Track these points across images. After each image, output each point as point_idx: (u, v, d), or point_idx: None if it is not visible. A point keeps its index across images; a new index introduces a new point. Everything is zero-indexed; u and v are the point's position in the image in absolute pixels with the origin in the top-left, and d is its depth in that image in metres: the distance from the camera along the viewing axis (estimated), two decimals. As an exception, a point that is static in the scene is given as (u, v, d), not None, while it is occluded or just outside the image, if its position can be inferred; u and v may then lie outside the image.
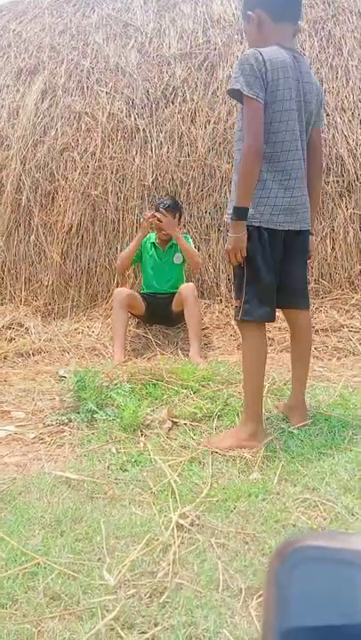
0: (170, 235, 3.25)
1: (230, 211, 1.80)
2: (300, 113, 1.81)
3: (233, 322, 1.99)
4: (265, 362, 1.91)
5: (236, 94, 1.76)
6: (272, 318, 1.89)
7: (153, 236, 3.38)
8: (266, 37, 1.80)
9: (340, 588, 0.29)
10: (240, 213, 1.76)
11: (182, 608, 1.08)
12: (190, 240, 3.42)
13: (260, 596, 1.12)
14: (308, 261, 2.07)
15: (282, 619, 0.29)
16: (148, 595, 1.13)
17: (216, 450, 1.81)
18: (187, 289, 3.08)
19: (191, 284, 3.20)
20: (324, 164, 3.60)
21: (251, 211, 1.78)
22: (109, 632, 1.04)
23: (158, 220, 3.18)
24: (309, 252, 2.03)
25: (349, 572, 0.29)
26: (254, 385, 1.88)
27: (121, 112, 3.93)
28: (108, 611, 1.09)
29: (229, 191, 3.66)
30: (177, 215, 3.30)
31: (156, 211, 3.28)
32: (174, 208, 3.28)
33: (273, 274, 1.85)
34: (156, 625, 1.05)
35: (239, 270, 1.86)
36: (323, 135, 3.64)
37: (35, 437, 2.06)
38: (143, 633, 1.03)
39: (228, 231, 1.89)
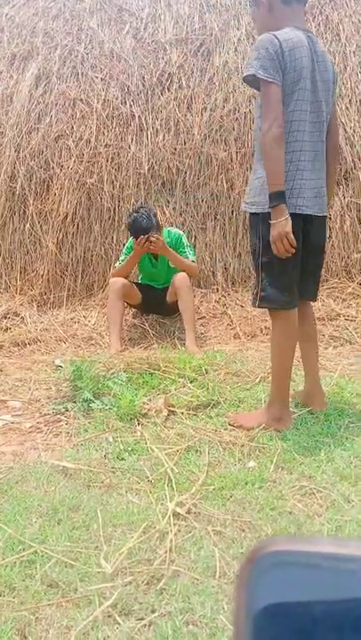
0: (152, 250, 3.05)
1: (254, 199, 1.79)
2: (314, 93, 1.78)
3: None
4: (295, 346, 1.91)
5: (251, 81, 1.75)
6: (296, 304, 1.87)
7: None
8: (277, 20, 1.78)
9: (308, 588, 0.30)
10: (278, 197, 1.70)
11: (179, 595, 1.09)
12: (184, 237, 3.24)
13: (256, 583, 1.13)
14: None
15: (251, 617, 0.30)
16: (145, 582, 1.14)
17: (240, 427, 1.89)
18: (180, 279, 3.04)
19: (184, 273, 3.08)
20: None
21: (260, 197, 1.77)
22: (107, 619, 1.05)
23: (150, 242, 2.95)
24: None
25: (317, 574, 0.30)
26: (283, 368, 1.89)
27: (116, 99, 3.89)
28: (105, 598, 1.09)
29: (226, 180, 3.66)
30: (156, 230, 3.04)
31: (129, 228, 3.11)
32: (151, 224, 3.01)
33: (294, 260, 1.79)
34: (153, 611, 1.06)
35: (255, 253, 1.84)
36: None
37: (31, 427, 2.06)
38: (140, 619, 1.04)
39: (249, 221, 1.88)
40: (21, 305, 3.63)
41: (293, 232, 1.72)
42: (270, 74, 1.68)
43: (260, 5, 1.81)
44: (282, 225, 1.70)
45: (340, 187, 3.62)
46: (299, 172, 1.76)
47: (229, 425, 1.92)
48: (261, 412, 1.93)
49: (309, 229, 1.84)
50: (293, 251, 1.74)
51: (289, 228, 1.70)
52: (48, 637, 1.01)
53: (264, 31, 1.77)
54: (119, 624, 1.03)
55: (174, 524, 1.33)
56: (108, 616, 1.05)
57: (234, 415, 1.99)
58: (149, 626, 1.02)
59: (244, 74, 1.75)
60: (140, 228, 2.98)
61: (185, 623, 1.02)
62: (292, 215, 1.73)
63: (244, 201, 1.92)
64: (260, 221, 1.79)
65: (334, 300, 3.41)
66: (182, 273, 3.10)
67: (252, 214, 1.85)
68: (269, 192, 1.72)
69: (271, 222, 1.72)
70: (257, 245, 1.82)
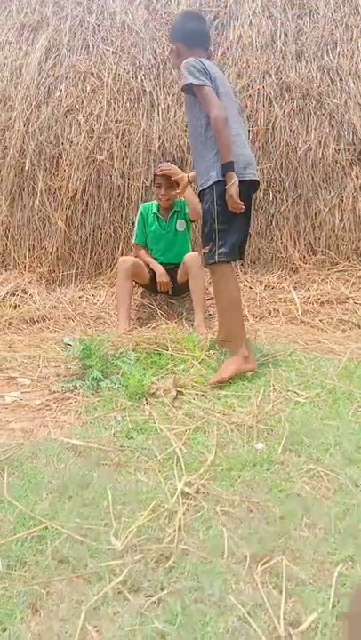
0: (172, 199, 3.20)
1: (208, 176, 2.21)
2: (229, 95, 2.29)
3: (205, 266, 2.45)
4: (239, 294, 2.32)
5: (188, 89, 2.21)
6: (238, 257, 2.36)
7: (155, 206, 3.30)
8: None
9: None
10: (230, 166, 2.14)
11: (188, 573, 1.11)
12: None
13: (264, 564, 1.14)
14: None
15: None
16: (154, 560, 1.15)
17: (222, 381, 2.10)
18: (191, 258, 3.04)
19: (195, 253, 3.13)
20: (335, 131, 3.53)
21: (212, 173, 2.19)
22: (117, 595, 1.06)
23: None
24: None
25: None
26: (238, 314, 2.26)
27: (127, 73, 3.81)
28: (115, 574, 1.11)
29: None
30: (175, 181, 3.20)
31: (154, 179, 3.25)
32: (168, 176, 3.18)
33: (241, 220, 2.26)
34: (162, 589, 1.07)
35: (211, 218, 2.21)
36: (335, 101, 3.55)
37: (40, 404, 2.07)
38: (150, 596, 1.06)
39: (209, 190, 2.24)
40: (30, 282, 3.63)
41: (242, 198, 2.16)
42: (203, 80, 2.17)
43: (173, 53, 2.43)
44: (235, 186, 2.13)
45: (354, 168, 3.55)
46: (239, 148, 2.21)
47: (211, 385, 2.10)
48: (230, 361, 2.19)
49: (249, 194, 2.28)
50: (243, 208, 2.17)
51: (237, 189, 2.14)
52: (59, 611, 1.03)
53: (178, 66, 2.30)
54: (129, 600, 1.05)
55: (183, 504, 1.35)
56: (118, 592, 1.07)
57: (209, 379, 2.16)
58: (159, 603, 1.04)
59: (182, 84, 2.22)
60: (162, 164, 3.22)
61: (194, 601, 1.03)
62: (241, 182, 2.16)
63: (198, 184, 2.32)
64: (213, 192, 2.19)
65: (344, 284, 3.38)
66: (194, 253, 3.09)
67: (206, 189, 2.23)
68: (224, 162, 2.14)
69: (227, 186, 2.13)
70: (213, 212, 2.19)
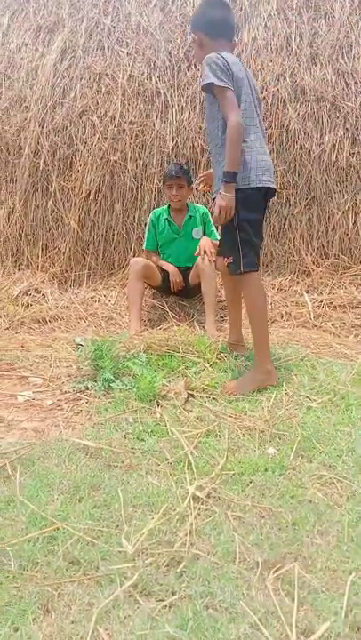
0: (183, 200, 3.26)
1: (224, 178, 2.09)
2: (253, 98, 2.17)
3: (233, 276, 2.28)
4: (266, 306, 2.35)
5: (209, 89, 2.10)
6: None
7: (165, 212, 3.30)
8: (209, 52, 2.12)
9: None
10: (234, 177, 2.07)
11: (199, 578, 1.10)
12: (208, 214, 3.34)
13: (276, 570, 1.13)
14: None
15: None
16: (165, 564, 1.15)
17: (236, 394, 2.05)
18: (204, 262, 3.03)
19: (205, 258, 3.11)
20: (350, 134, 3.51)
21: (247, 172, 2.10)
22: (128, 598, 1.06)
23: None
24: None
25: None
26: (265, 327, 2.19)
27: (142, 74, 3.81)
28: (126, 578, 1.11)
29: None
30: (185, 181, 3.23)
31: (164, 180, 3.26)
32: (182, 173, 3.21)
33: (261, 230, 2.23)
34: (173, 594, 1.07)
35: (232, 227, 2.13)
36: (350, 104, 3.53)
37: (52, 404, 2.08)
38: (161, 600, 1.06)
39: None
40: (42, 282, 3.65)
41: (263, 205, 2.18)
42: (224, 81, 2.05)
43: (194, 43, 2.24)
44: (231, 199, 2.07)
45: (369, 171, 3.53)
46: (259, 155, 2.12)
47: (225, 394, 2.06)
48: (252, 374, 2.14)
49: (266, 201, 2.22)
50: (221, 223, 2.13)
51: (232, 203, 2.08)
52: (70, 613, 1.03)
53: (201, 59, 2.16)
54: (140, 604, 1.05)
55: (194, 508, 1.34)
56: (130, 596, 1.07)
57: (226, 385, 2.12)
58: (170, 607, 1.04)
59: (202, 82, 2.09)
60: (171, 175, 3.19)
61: (205, 607, 1.03)
62: (257, 189, 2.11)
63: (214, 191, 2.22)
64: (236, 201, 2.08)
65: (357, 288, 3.36)
66: (205, 258, 3.07)
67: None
68: (229, 170, 2.04)
69: (222, 193, 2.07)
70: (234, 221, 2.10)
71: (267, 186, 2.15)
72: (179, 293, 3.34)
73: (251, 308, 2.19)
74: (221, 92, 2.06)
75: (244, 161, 2.10)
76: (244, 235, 2.13)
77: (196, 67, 3.78)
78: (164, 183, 3.29)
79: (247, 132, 2.13)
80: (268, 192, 2.19)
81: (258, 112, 2.20)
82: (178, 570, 1.13)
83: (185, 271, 3.24)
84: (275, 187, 2.21)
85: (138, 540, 1.21)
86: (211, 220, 3.38)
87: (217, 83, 2.04)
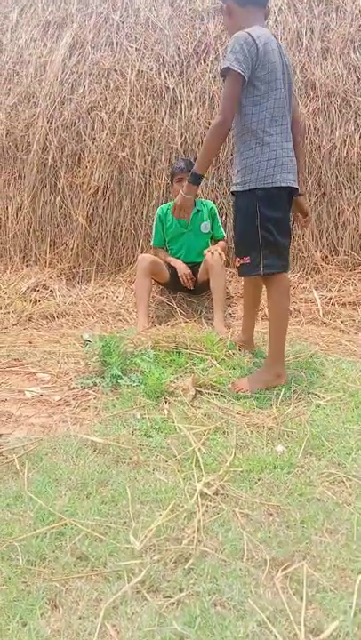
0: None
1: (245, 177, 2.01)
2: (284, 82, 1.99)
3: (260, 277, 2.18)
4: (261, 291, 2.33)
5: (225, 72, 1.93)
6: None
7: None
8: (238, 22, 1.99)
9: None
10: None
11: (207, 575, 1.10)
12: (215, 209, 3.36)
13: (285, 569, 1.12)
14: (307, 221, 2.36)
15: None
16: (173, 560, 1.14)
17: (244, 391, 2.02)
18: (213, 258, 3.02)
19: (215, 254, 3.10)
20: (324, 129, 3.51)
21: (252, 175, 1.99)
22: (135, 594, 1.06)
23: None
24: (306, 213, 2.33)
25: None
26: (284, 329, 2.11)
27: (151, 70, 3.80)
28: (134, 574, 1.10)
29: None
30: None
31: (173, 175, 3.26)
32: (192, 167, 3.17)
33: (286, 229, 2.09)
34: (181, 590, 1.07)
35: (252, 226, 2.01)
36: (358, 99, 3.48)
37: (60, 400, 2.08)
38: (169, 597, 1.05)
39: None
40: (50, 278, 3.65)
41: (285, 204, 2.05)
42: (242, 68, 1.88)
43: (224, 12, 2.08)
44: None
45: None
46: (282, 152, 1.99)
47: (234, 391, 2.04)
48: (262, 374, 2.10)
49: (290, 200, 2.10)
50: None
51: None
52: (78, 609, 1.03)
53: (232, 32, 1.97)
54: (147, 600, 1.04)
55: (202, 505, 1.34)
56: (137, 592, 1.06)
57: (235, 382, 2.10)
58: (177, 604, 1.03)
59: (222, 67, 1.93)
60: (181, 168, 3.19)
61: (213, 604, 1.03)
62: (282, 188, 1.99)
63: (232, 183, 2.11)
64: (255, 197, 1.99)
65: (359, 281, 3.33)
66: (215, 254, 3.06)
67: (242, 192, 2.03)
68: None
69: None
70: (256, 220, 1.99)
71: (292, 186, 2.02)
72: (188, 290, 3.33)
73: (274, 311, 2.09)
74: (232, 79, 1.91)
75: (268, 157, 1.97)
76: (266, 234, 2.00)
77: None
78: (172, 178, 3.28)
79: (273, 124, 1.96)
80: (293, 191, 2.07)
81: (288, 101, 2.03)
82: (185, 567, 1.12)
83: (194, 267, 3.23)
84: (297, 187, 2.07)
85: (145, 537, 1.20)
86: (218, 217, 3.38)
87: (232, 67, 1.88)
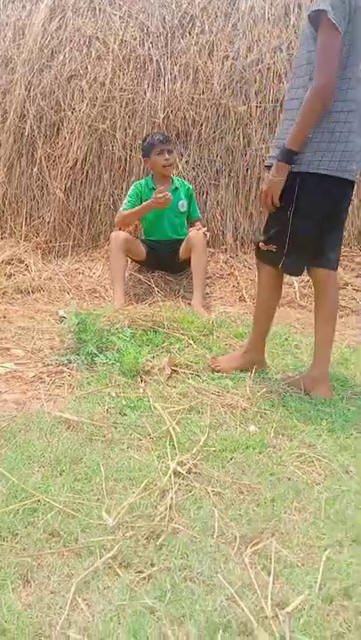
0: (173, 164, 3.22)
1: (275, 153, 1.74)
2: None
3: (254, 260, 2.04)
4: (278, 300, 2.05)
5: (314, 18, 1.59)
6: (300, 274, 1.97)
7: (150, 182, 3.21)
8: None
9: None
10: (289, 156, 1.68)
11: (178, 551, 1.12)
12: (192, 190, 3.31)
13: (254, 545, 1.15)
14: None
15: None
16: (145, 537, 1.16)
17: (220, 370, 2.01)
18: (197, 236, 3.01)
19: (202, 231, 3.10)
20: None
21: (314, 155, 1.67)
22: (107, 570, 1.07)
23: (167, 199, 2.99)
24: None
25: None
26: (266, 319, 2.00)
27: (134, 39, 3.68)
28: (105, 550, 1.12)
29: (243, 135, 3.52)
30: (173, 151, 3.21)
31: (150, 148, 3.12)
32: (168, 142, 3.16)
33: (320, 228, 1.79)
34: (152, 565, 1.08)
35: (284, 215, 1.77)
36: None
37: (34, 376, 2.06)
38: (140, 572, 1.07)
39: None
40: (26, 252, 3.58)
41: (338, 199, 1.75)
42: (338, 18, 1.53)
43: None
44: (277, 183, 1.72)
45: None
46: (352, 134, 1.65)
47: (211, 368, 2.03)
48: (240, 355, 2.05)
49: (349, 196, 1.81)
50: (273, 208, 1.78)
51: (280, 189, 1.73)
52: (50, 584, 1.04)
53: None
54: (119, 575, 1.06)
55: (175, 483, 1.35)
56: (109, 567, 1.08)
57: (214, 359, 2.08)
58: (148, 579, 1.05)
59: (313, 8, 1.59)
60: (159, 139, 3.09)
61: (183, 579, 1.05)
62: (343, 180, 1.70)
63: (269, 156, 1.84)
64: (297, 182, 1.72)
65: (343, 269, 3.36)
66: (199, 232, 3.05)
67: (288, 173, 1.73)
68: (289, 148, 1.67)
69: (271, 177, 1.73)
70: (290, 209, 1.75)
71: (349, 179, 1.72)
72: (164, 269, 3.31)
73: (329, 311, 1.90)
74: (328, 31, 1.55)
75: (332, 139, 1.64)
76: (297, 229, 1.76)
77: (190, 34, 3.66)
78: (149, 152, 3.12)
79: (349, 101, 1.63)
80: (353, 186, 1.78)
81: None
82: (157, 543, 1.14)
83: (173, 244, 3.20)
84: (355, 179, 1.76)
85: (118, 514, 1.21)
86: (195, 198, 3.33)
87: (330, 15, 1.53)
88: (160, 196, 2.92)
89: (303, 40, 1.71)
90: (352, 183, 1.75)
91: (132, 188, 3.25)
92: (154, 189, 3.14)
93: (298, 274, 1.95)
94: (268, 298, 1.98)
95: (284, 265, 1.84)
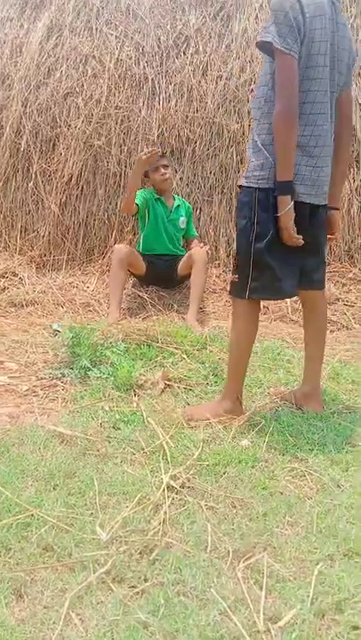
0: (171, 181, 3.29)
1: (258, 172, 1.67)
2: (332, 71, 1.64)
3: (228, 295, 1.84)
4: (253, 341, 1.85)
5: (266, 48, 1.60)
6: (288, 295, 1.84)
7: (153, 193, 3.29)
8: None
9: None
10: (285, 188, 1.62)
11: (171, 566, 1.12)
12: (191, 209, 3.41)
13: (246, 559, 1.16)
14: (332, 238, 1.92)
15: None
16: (138, 551, 1.16)
17: (193, 420, 1.79)
18: (199, 253, 3.10)
19: (204, 249, 3.19)
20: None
21: (263, 172, 1.65)
22: (100, 584, 1.08)
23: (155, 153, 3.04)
24: (333, 230, 1.88)
25: None
26: (240, 364, 1.83)
27: (130, 59, 3.75)
28: (99, 564, 1.12)
29: (237, 152, 3.58)
30: (169, 166, 3.31)
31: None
32: (162, 157, 3.28)
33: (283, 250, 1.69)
34: (145, 580, 1.09)
35: (245, 240, 1.70)
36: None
37: (27, 390, 2.07)
38: (133, 587, 1.07)
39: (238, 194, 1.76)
40: (20, 265, 3.59)
41: (296, 222, 1.64)
42: (288, 45, 1.53)
43: None
44: (287, 216, 1.62)
45: (351, 170, 3.56)
46: (304, 158, 1.65)
47: (185, 419, 1.79)
48: (214, 405, 1.85)
49: (312, 220, 1.72)
50: (301, 242, 1.66)
51: (292, 219, 1.64)
52: (43, 598, 1.04)
53: None
54: (112, 590, 1.06)
55: (168, 497, 1.36)
56: (102, 582, 1.08)
57: (188, 409, 1.87)
58: (142, 594, 1.06)
59: (259, 38, 1.60)
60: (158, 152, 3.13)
61: (176, 593, 1.05)
62: (296, 203, 1.64)
63: (243, 175, 1.77)
64: (254, 200, 1.67)
65: (334, 284, 3.41)
66: (202, 249, 3.14)
67: (245, 187, 1.71)
68: (280, 180, 1.62)
69: (279, 213, 1.63)
70: (250, 232, 1.68)
71: (305, 201, 1.67)
72: (160, 284, 3.34)
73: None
74: (281, 58, 1.55)
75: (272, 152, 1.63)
76: (258, 255, 1.68)
77: (185, 54, 3.74)
78: (147, 170, 3.23)
79: (306, 123, 1.63)
80: (312, 208, 1.71)
81: (332, 93, 1.66)
82: (151, 557, 1.15)
83: (172, 259, 3.26)
84: (313, 202, 1.71)
85: (112, 528, 1.22)
86: (192, 217, 3.41)
87: (277, 45, 1.53)
88: (145, 151, 3.02)
89: (265, 62, 1.70)
90: (306, 205, 1.69)
91: (140, 193, 3.25)
92: (159, 200, 3.25)
93: (275, 298, 1.81)
94: (244, 330, 1.81)
95: (250, 292, 1.72)
